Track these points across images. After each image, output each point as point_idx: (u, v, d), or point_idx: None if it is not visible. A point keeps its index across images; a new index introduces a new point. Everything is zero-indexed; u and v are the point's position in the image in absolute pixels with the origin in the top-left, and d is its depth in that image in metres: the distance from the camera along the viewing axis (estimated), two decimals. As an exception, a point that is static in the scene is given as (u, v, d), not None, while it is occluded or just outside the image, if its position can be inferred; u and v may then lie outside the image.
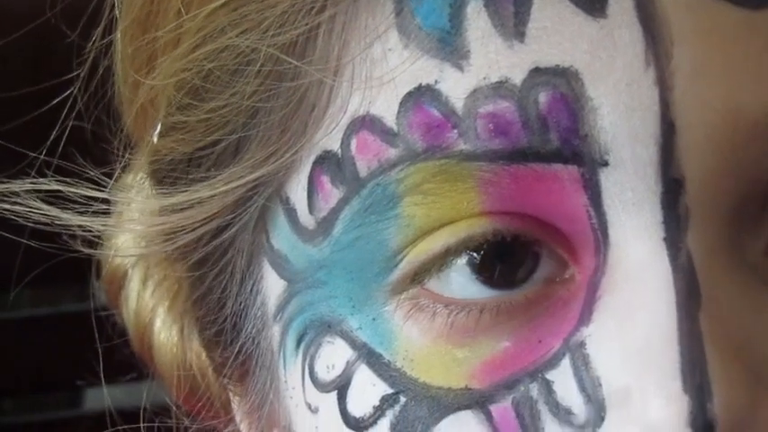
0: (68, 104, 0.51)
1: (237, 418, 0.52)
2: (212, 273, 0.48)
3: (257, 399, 0.49)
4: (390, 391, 0.42)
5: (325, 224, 0.43)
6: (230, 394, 0.52)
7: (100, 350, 0.60)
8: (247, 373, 0.49)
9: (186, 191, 0.46)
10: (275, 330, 0.47)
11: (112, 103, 0.52)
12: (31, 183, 0.48)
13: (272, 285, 0.46)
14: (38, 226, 0.49)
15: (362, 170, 0.42)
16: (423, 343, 0.41)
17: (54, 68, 0.54)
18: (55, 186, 0.48)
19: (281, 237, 0.45)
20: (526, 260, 0.41)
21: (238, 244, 0.47)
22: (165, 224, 0.47)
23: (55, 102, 0.52)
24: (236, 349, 0.49)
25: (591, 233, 0.40)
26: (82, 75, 0.51)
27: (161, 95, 0.47)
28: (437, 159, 0.40)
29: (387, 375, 0.42)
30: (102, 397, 0.59)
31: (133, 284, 0.56)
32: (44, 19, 0.56)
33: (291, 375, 0.46)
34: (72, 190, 0.47)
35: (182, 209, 0.46)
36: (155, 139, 0.48)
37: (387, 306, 0.42)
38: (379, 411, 0.42)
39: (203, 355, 0.53)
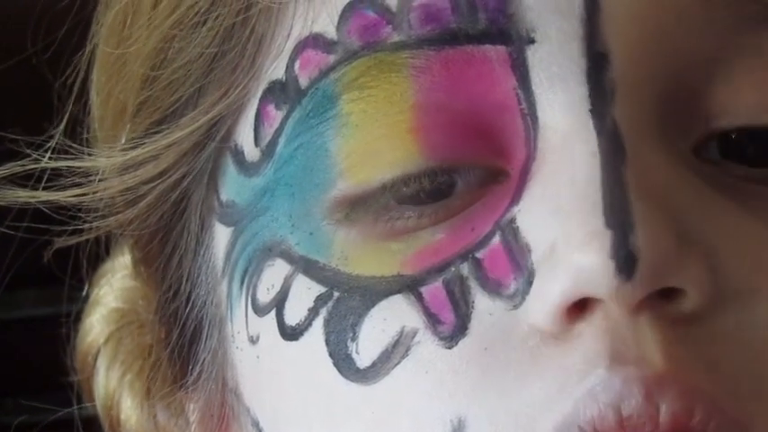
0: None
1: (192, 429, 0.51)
2: (171, 239, 0.48)
3: (208, 386, 0.49)
4: (324, 290, 0.42)
5: (270, 147, 0.44)
6: (185, 404, 0.51)
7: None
8: (197, 359, 0.49)
9: (145, 143, 0.46)
10: (223, 287, 0.46)
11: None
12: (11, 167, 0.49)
13: (220, 240, 0.46)
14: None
15: (304, 82, 0.42)
16: (359, 243, 0.41)
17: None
18: (31, 166, 0.48)
19: (229, 185, 0.46)
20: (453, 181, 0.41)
21: (192, 203, 0.47)
22: (130, 180, 0.47)
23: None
24: (189, 321, 0.49)
25: (521, 122, 0.40)
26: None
27: (131, 78, 0.48)
28: (372, 54, 0.41)
29: (321, 277, 0.42)
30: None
31: (101, 368, 0.57)
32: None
33: (237, 319, 0.45)
34: (53, 165, 0.48)
35: (143, 161, 0.47)
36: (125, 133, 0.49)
37: (324, 221, 0.42)
38: (313, 313, 0.42)
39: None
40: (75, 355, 0.59)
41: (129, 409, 0.55)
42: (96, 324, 0.58)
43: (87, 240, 0.54)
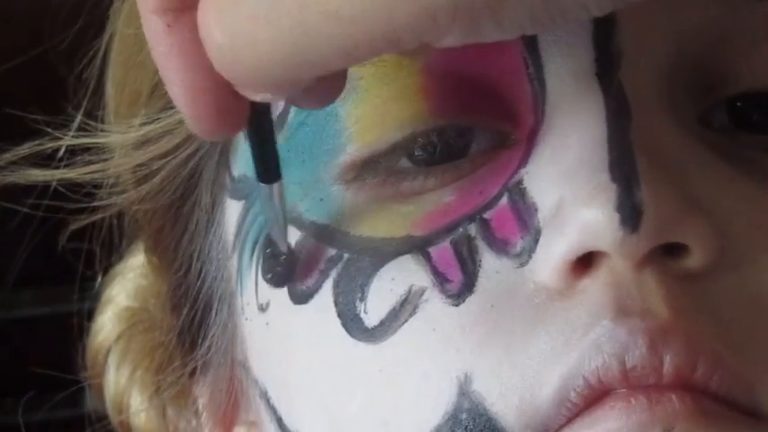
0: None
1: (202, 412, 0.51)
2: (182, 216, 0.49)
3: (217, 361, 0.49)
4: (334, 252, 0.42)
5: (281, 117, 0.44)
6: (193, 390, 0.52)
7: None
8: (207, 333, 0.49)
9: (159, 118, 0.47)
10: (233, 261, 0.47)
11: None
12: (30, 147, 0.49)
13: (231, 214, 0.47)
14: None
15: None
16: (368, 205, 0.42)
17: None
18: (50, 144, 0.49)
19: (241, 159, 0.46)
20: (466, 143, 0.41)
21: (204, 179, 0.48)
22: (144, 156, 0.48)
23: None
24: (200, 298, 0.49)
25: (528, 87, 0.40)
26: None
27: (148, 61, 0.48)
28: None
29: (331, 240, 0.42)
30: (103, 397, 0.59)
31: (112, 366, 0.57)
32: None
33: (247, 290, 0.46)
34: (70, 142, 0.49)
35: (157, 136, 0.47)
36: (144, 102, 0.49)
37: (334, 186, 0.42)
38: (323, 275, 0.42)
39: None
40: (86, 353, 0.59)
41: (138, 404, 0.55)
42: (108, 322, 0.58)
43: (98, 238, 0.55)
